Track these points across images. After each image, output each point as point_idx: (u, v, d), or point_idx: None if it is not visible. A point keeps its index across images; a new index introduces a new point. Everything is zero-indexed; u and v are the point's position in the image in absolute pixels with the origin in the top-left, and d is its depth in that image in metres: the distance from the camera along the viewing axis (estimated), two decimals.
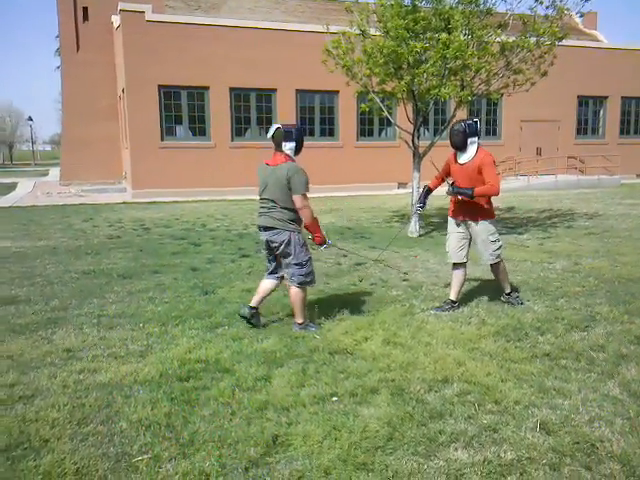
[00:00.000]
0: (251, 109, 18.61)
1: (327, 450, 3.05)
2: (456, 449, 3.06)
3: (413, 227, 10.10)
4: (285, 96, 18.63)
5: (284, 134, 4.77)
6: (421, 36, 9.16)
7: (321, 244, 4.98)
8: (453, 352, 4.38)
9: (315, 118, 19.34)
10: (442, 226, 11.15)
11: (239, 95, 18.33)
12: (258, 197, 4.98)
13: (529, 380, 3.86)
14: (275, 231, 4.80)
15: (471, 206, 5.32)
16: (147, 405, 3.55)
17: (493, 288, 6.23)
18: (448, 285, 5.90)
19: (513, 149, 21.20)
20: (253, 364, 4.17)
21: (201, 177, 17.53)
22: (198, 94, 17.98)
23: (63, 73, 22.43)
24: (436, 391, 3.72)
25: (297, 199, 4.72)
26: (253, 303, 5.00)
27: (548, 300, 5.75)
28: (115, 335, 4.85)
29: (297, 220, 4.85)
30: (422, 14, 9.07)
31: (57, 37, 23.71)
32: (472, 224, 5.39)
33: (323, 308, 5.54)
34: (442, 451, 3.04)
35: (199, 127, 18.19)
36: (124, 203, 16.10)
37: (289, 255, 4.82)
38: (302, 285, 4.91)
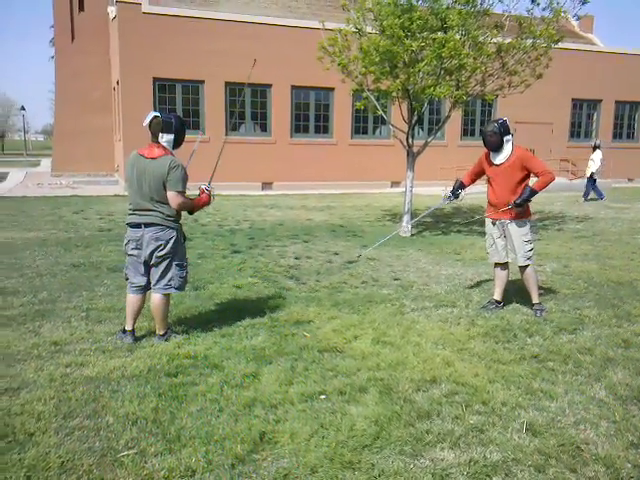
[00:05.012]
0: (246, 104, 18.54)
1: (314, 448, 3.05)
2: (442, 449, 3.07)
3: (405, 226, 10.10)
4: (280, 92, 18.57)
5: (163, 124, 4.29)
6: (417, 35, 9.15)
7: (209, 200, 4.64)
8: (442, 352, 4.39)
9: (310, 115, 19.30)
10: (434, 226, 11.20)
11: (234, 90, 18.26)
12: (129, 190, 4.44)
13: (517, 382, 3.88)
14: (159, 227, 4.33)
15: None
16: (134, 400, 3.54)
17: (483, 289, 6.26)
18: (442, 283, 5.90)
19: None
20: (242, 361, 4.17)
21: (194, 171, 17.41)
22: (193, 88, 17.88)
23: (57, 63, 22.24)
24: (424, 391, 3.73)
25: (172, 196, 4.28)
26: (130, 327, 4.57)
27: None
28: (103, 329, 4.83)
29: (179, 216, 4.46)
30: (418, 13, 9.06)
31: (52, 27, 23.51)
32: (507, 223, 5.30)
33: (314, 306, 5.54)
34: (428, 451, 3.05)
35: (193, 121, 18.09)
36: (116, 196, 16.00)
37: (173, 255, 4.40)
38: (179, 290, 4.55)
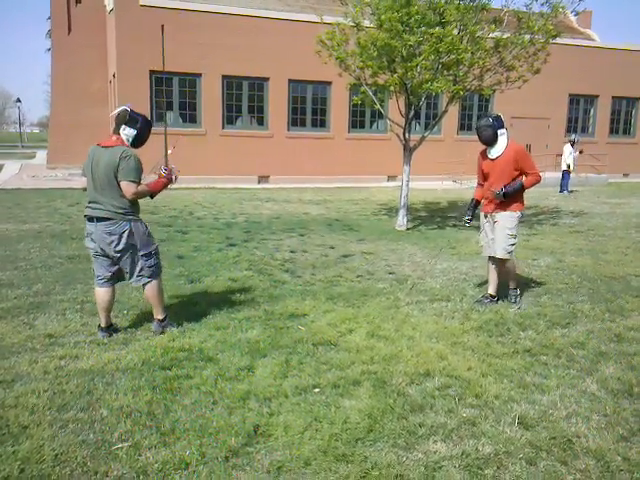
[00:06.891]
0: (243, 97, 18.49)
1: (308, 441, 3.07)
2: (435, 442, 3.09)
3: (401, 220, 10.12)
4: (277, 85, 18.51)
5: (128, 117, 4.29)
6: (415, 30, 9.12)
7: (170, 180, 4.52)
8: (436, 346, 4.41)
9: (307, 108, 19.25)
10: (430, 220, 11.21)
11: (231, 83, 18.20)
12: (85, 183, 4.40)
13: (509, 375, 3.91)
14: (111, 222, 4.25)
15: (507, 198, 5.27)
16: (128, 393, 3.55)
17: (478, 283, 6.28)
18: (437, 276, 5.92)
19: None
20: (236, 354, 4.18)
21: (190, 164, 17.34)
22: (190, 81, 17.81)
23: (53, 55, 22.12)
24: (417, 384, 3.75)
25: (124, 186, 4.19)
26: (104, 324, 4.53)
27: (531, 296, 5.80)
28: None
29: (135, 206, 4.37)
30: (416, 8, 9.03)
31: (49, 19, 23.35)
32: (497, 214, 5.33)
33: (309, 299, 5.55)
34: (421, 443, 3.07)
35: (190, 114, 18.05)
36: None
37: (133, 247, 4.34)
38: (152, 278, 4.49)
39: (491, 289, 5.59)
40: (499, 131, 5.21)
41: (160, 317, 4.60)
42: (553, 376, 3.91)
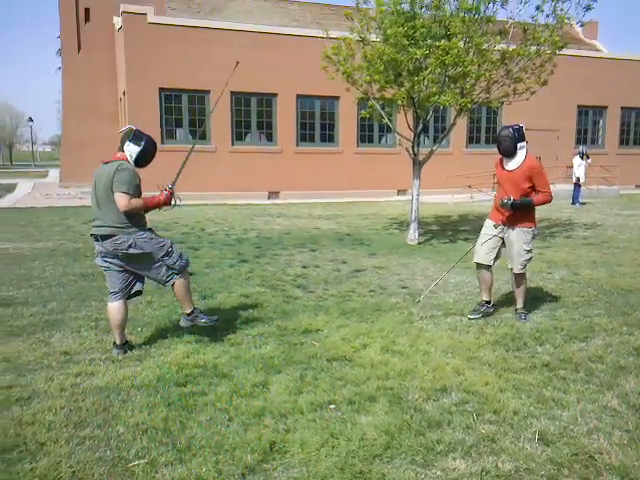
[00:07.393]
0: (252, 113, 18.64)
1: (324, 458, 3.03)
2: (454, 459, 3.04)
3: (412, 234, 10.09)
4: (286, 101, 18.66)
5: (133, 134, 4.36)
6: (421, 43, 9.17)
7: (168, 201, 4.49)
8: (452, 361, 4.37)
9: (315, 123, 19.36)
10: (441, 234, 11.18)
11: (240, 99, 18.35)
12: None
13: (528, 390, 3.85)
14: (114, 238, 4.25)
15: (516, 213, 5.23)
16: (144, 410, 3.54)
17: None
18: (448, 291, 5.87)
19: None
20: (251, 370, 4.16)
21: (201, 181, 17.49)
22: (199, 97, 17.99)
23: (64, 74, 22.46)
24: (434, 400, 3.71)
25: (116, 198, 4.17)
26: (119, 341, 4.53)
27: (547, 310, 5.75)
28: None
29: (134, 219, 4.31)
30: (422, 21, 9.09)
31: (59, 37, 23.74)
32: (510, 230, 5.30)
33: (322, 315, 5.53)
34: (440, 460, 3.03)
35: (199, 131, 18.20)
36: None
37: (147, 256, 4.34)
38: (183, 271, 4.48)
39: (485, 296, 5.56)
40: (519, 144, 5.15)
41: (188, 311, 4.63)
42: (572, 391, 3.85)
